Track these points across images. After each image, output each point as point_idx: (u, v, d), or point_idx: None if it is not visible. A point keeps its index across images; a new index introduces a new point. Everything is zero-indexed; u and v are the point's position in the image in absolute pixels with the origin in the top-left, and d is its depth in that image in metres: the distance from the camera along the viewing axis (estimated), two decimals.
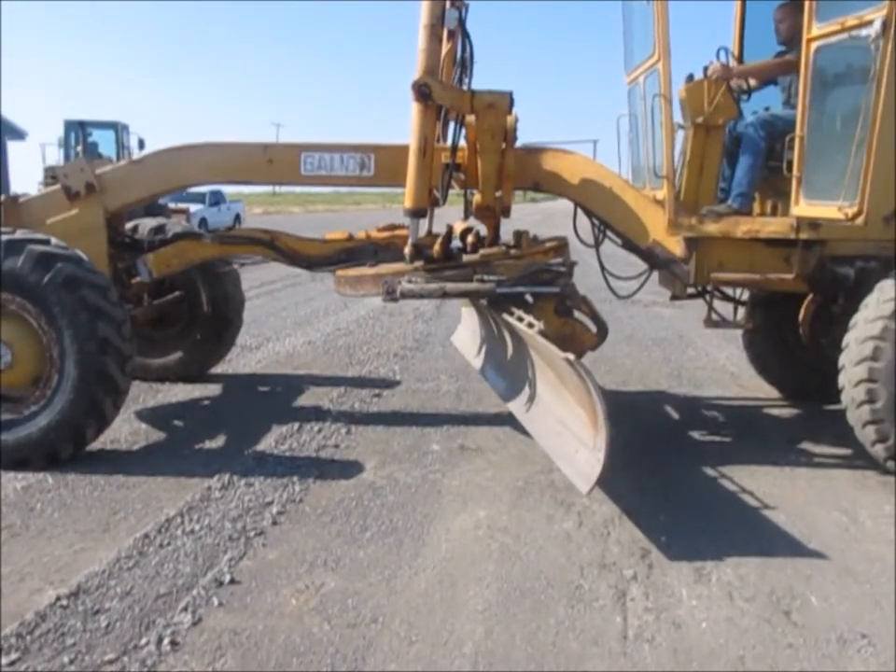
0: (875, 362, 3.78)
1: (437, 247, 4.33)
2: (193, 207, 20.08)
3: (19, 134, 12.42)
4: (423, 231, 4.61)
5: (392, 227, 5.01)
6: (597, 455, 3.11)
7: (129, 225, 5.47)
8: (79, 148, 16.90)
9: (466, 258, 4.37)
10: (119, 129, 18.28)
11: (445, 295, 4.16)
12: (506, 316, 4.14)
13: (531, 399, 4.13)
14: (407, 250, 4.38)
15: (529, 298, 4.35)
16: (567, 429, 3.58)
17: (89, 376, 3.97)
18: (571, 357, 3.22)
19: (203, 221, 19.67)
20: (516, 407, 4.29)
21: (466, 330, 6.06)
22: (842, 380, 3.99)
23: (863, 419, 3.86)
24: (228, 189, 23.47)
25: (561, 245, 4.51)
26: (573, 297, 4.33)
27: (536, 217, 34.72)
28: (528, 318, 3.92)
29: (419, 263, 4.31)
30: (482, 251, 4.39)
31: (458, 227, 4.67)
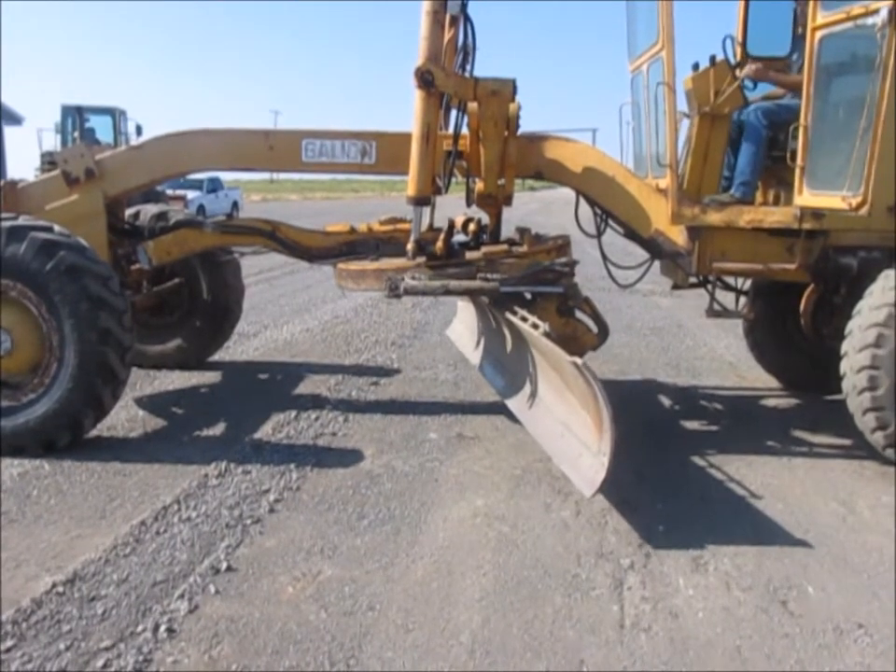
0: (879, 349, 3.77)
1: (439, 244, 4.33)
2: (191, 194, 20.02)
3: (15, 119, 12.33)
4: (425, 222, 4.59)
5: (394, 220, 4.98)
6: (601, 460, 3.12)
7: (131, 211, 5.45)
8: (76, 134, 16.81)
9: (469, 255, 4.36)
10: (116, 114, 18.17)
11: (448, 292, 4.16)
12: (509, 316, 4.13)
13: (532, 399, 4.13)
14: (409, 246, 4.36)
15: (528, 296, 4.34)
16: (569, 432, 3.59)
17: (88, 366, 3.95)
18: (579, 361, 3.20)
19: (200, 208, 19.61)
20: (516, 405, 4.29)
21: (462, 325, 6.06)
22: (844, 367, 3.98)
23: (864, 406, 3.85)
24: (226, 177, 23.41)
25: (564, 244, 4.51)
26: (576, 297, 4.35)
27: (534, 205, 34.68)
28: (532, 319, 3.92)
29: (421, 260, 4.29)
30: (484, 249, 4.38)
31: (459, 220, 4.65)
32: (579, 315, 4.42)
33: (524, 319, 3.97)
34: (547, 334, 3.68)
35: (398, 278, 4.09)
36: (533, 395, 4.13)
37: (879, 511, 3.55)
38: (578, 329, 4.32)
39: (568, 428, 3.62)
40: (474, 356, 5.38)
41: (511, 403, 4.36)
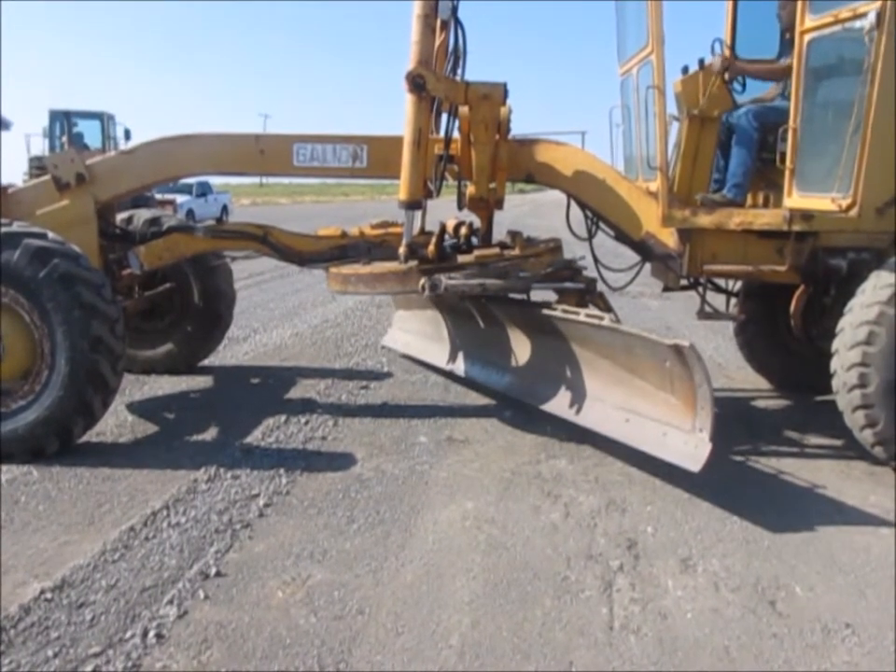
0: (869, 346, 3.78)
1: (431, 247, 4.36)
2: (180, 198, 19.91)
3: (3, 125, 12.28)
4: (417, 226, 4.60)
5: (385, 224, 5.00)
6: (699, 436, 3.31)
7: (123, 216, 5.45)
8: (65, 139, 16.75)
9: (461, 258, 4.40)
10: (104, 119, 18.10)
11: (485, 291, 4.27)
12: (548, 311, 4.24)
13: (575, 391, 4.20)
14: (401, 250, 4.38)
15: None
16: (639, 416, 3.71)
17: (79, 373, 3.94)
18: (684, 343, 3.30)
19: (189, 212, 19.51)
20: (552, 403, 4.34)
21: (408, 333, 6.13)
22: (834, 364, 3.99)
23: (854, 403, 3.86)
24: (215, 181, 23.32)
25: (555, 247, 4.56)
26: (593, 293, 4.50)
27: (524, 207, 34.71)
28: (585, 310, 4.05)
29: (413, 263, 4.31)
30: (476, 252, 4.42)
31: (451, 224, 4.67)
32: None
33: (571, 313, 4.06)
34: (614, 321, 3.84)
35: (437, 278, 4.16)
36: (575, 387, 4.20)
37: (867, 510, 3.56)
38: None
39: (636, 413, 3.73)
40: (449, 363, 5.41)
41: (542, 402, 4.40)
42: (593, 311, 4.06)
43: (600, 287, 5.10)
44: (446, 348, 5.55)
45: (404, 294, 4.33)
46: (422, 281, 4.17)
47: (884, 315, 3.78)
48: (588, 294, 4.48)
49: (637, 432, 3.70)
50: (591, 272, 5.07)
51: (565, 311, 4.14)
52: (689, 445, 3.37)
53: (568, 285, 4.44)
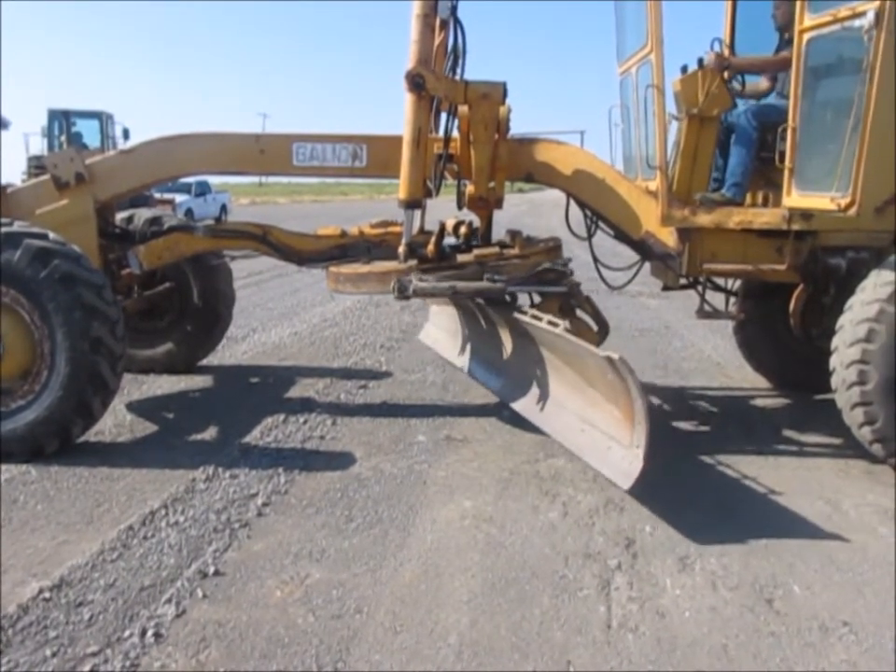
0: (869, 344, 3.79)
1: (430, 247, 4.35)
2: (179, 198, 19.89)
3: (2, 124, 12.29)
4: (416, 225, 4.60)
5: (385, 223, 4.99)
6: (636, 452, 3.21)
7: (124, 215, 5.45)
8: (63, 138, 16.75)
9: (460, 257, 4.38)
10: (103, 118, 18.09)
11: (456, 293, 4.20)
12: (517, 315, 4.17)
13: (542, 396, 4.17)
14: (401, 249, 4.37)
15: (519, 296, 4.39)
16: (592, 427, 3.65)
17: (79, 374, 3.94)
18: (615, 355, 3.24)
19: (188, 212, 19.48)
20: (522, 405, 4.32)
21: (437, 329, 6.10)
22: (834, 362, 3.99)
23: (852, 401, 3.86)
24: (214, 180, 23.29)
25: (555, 247, 4.55)
26: (578, 296, 4.44)
27: (523, 207, 34.71)
28: (548, 317, 3.97)
29: (413, 262, 4.31)
30: (475, 251, 4.41)
31: (450, 223, 4.67)
32: (580, 313, 4.49)
33: (536, 318, 4.01)
34: (569, 330, 3.76)
35: (406, 280, 4.10)
36: (543, 393, 4.17)
37: (864, 509, 3.56)
38: (579, 327, 4.37)
39: (590, 423, 3.68)
40: (460, 360, 5.40)
41: (517, 404, 4.39)
42: (554, 318, 3.96)
43: (600, 286, 5.10)
44: (460, 345, 5.55)
45: (383, 294, 4.29)
46: (392, 283, 4.11)
47: (884, 313, 3.78)
48: (573, 298, 4.42)
49: (588, 443, 3.66)
50: (590, 271, 5.08)
51: (533, 316, 4.07)
52: (625, 461, 3.31)
53: (549, 288, 4.35)
